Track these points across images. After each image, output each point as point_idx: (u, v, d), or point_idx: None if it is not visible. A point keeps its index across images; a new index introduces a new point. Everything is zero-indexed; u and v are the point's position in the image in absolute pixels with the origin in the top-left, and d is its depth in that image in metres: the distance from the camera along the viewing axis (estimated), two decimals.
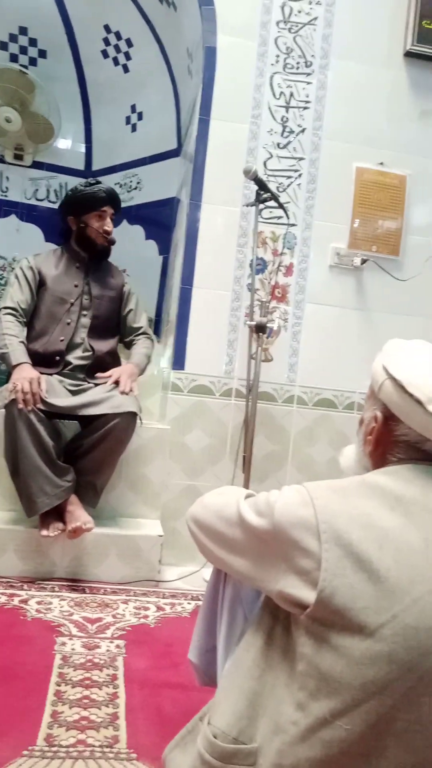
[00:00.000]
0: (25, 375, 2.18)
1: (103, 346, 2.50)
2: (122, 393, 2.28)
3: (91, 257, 2.56)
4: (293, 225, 2.71)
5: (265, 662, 0.87)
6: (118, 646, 1.71)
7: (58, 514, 2.18)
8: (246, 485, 2.23)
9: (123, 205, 3.62)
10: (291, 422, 2.69)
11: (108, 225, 2.52)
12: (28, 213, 3.94)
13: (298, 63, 2.74)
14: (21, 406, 2.11)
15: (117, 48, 3.66)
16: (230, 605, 1.07)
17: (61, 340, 2.43)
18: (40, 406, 2.15)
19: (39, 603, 1.95)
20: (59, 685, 1.46)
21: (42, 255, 2.60)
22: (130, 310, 2.62)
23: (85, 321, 2.49)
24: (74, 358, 2.45)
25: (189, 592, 2.20)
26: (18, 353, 2.30)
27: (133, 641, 1.75)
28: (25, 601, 1.95)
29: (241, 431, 2.42)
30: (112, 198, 2.53)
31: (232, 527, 0.92)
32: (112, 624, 1.86)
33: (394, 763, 0.76)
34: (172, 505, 2.54)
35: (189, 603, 2.09)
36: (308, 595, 0.78)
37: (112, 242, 2.57)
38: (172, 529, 2.49)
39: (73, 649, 1.66)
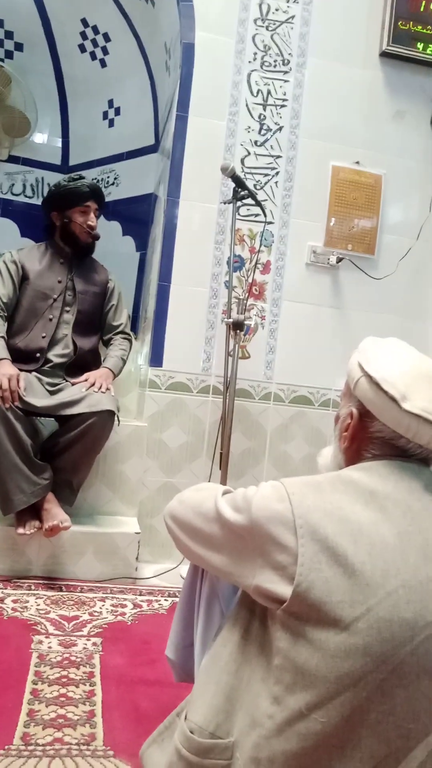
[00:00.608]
0: (4, 372, 2.16)
1: (85, 343, 2.48)
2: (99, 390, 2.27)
3: (75, 253, 2.54)
4: (270, 223, 2.72)
5: (241, 657, 0.88)
6: (94, 644, 1.71)
7: (34, 512, 2.16)
8: (223, 482, 2.24)
9: None
10: (267, 419, 2.71)
11: (92, 220, 2.50)
12: (3, 208, 3.90)
13: (275, 61, 2.75)
14: None
15: (94, 42, 3.63)
16: (207, 601, 1.08)
17: (43, 337, 2.41)
18: (18, 404, 2.13)
19: (15, 601, 1.94)
20: (36, 684, 1.46)
21: (25, 249, 2.57)
22: (112, 306, 2.60)
23: (68, 317, 2.47)
24: (55, 355, 2.42)
25: (166, 589, 2.20)
26: None
27: (109, 639, 1.75)
28: (0, 600, 1.93)
29: (219, 428, 2.43)
30: (95, 193, 2.51)
31: (209, 523, 0.93)
32: (88, 622, 1.86)
33: (368, 753, 0.77)
34: (150, 502, 2.55)
35: (166, 600, 2.09)
36: (284, 590, 0.79)
37: (96, 237, 2.54)
38: (149, 526, 2.50)
39: (49, 648, 1.65)
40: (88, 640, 1.73)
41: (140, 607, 2.02)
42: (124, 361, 2.54)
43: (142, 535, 2.34)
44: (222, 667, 0.89)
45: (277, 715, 0.79)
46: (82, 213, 2.49)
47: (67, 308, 2.48)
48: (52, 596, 2.02)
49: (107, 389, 2.30)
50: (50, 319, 2.43)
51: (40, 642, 1.68)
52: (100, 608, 1.97)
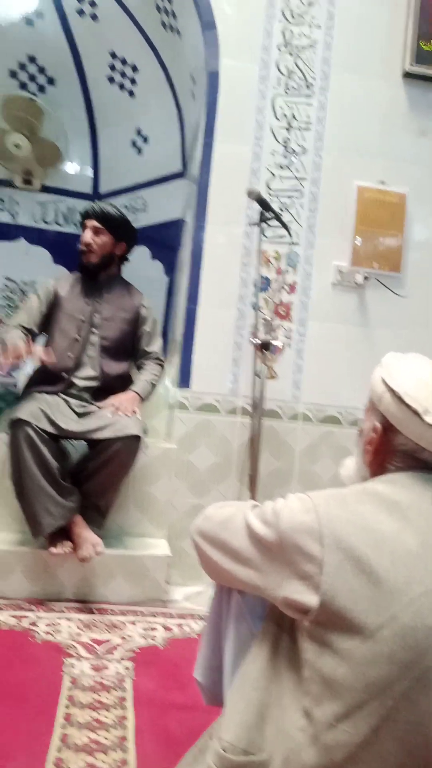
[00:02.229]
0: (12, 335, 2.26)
1: (113, 368, 2.49)
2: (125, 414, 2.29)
3: (89, 274, 2.57)
4: (296, 243, 2.73)
5: (271, 672, 0.89)
6: (126, 668, 1.71)
7: (64, 534, 2.18)
8: None
9: None
10: (296, 439, 2.70)
11: (87, 237, 2.51)
12: (37, 236, 4.01)
13: (299, 85, 2.79)
14: (19, 413, 2.13)
15: (123, 73, 3.73)
16: (235, 623, 1.07)
17: (69, 356, 2.45)
18: (46, 427, 2.16)
19: (47, 625, 1.95)
20: (68, 708, 1.46)
21: (63, 277, 2.64)
22: (145, 332, 2.61)
23: (94, 339, 2.50)
24: (81, 378, 2.46)
25: (196, 612, 2.19)
26: (12, 334, 2.32)
27: (141, 662, 1.75)
28: (33, 623, 1.95)
29: (247, 449, 2.43)
30: (89, 212, 2.54)
31: (238, 537, 0.95)
32: (120, 645, 1.86)
33: (394, 764, 0.77)
34: (179, 524, 2.55)
35: (197, 623, 2.08)
36: (311, 599, 0.80)
37: (89, 253, 2.51)
38: (179, 548, 2.49)
39: (81, 671, 1.66)
40: (119, 663, 1.73)
41: (171, 630, 2.01)
42: (154, 386, 2.54)
43: (172, 558, 2.34)
44: (252, 683, 0.90)
45: (307, 728, 0.80)
46: (83, 233, 2.53)
47: (94, 330, 2.51)
48: (84, 619, 2.03)
49: (133, 413, 2.31)
50: (76, 340, 2.47)
51: (72, 665, 1.69)
52: (132, 632, 1.97)
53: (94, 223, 2.51)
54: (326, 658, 0.79)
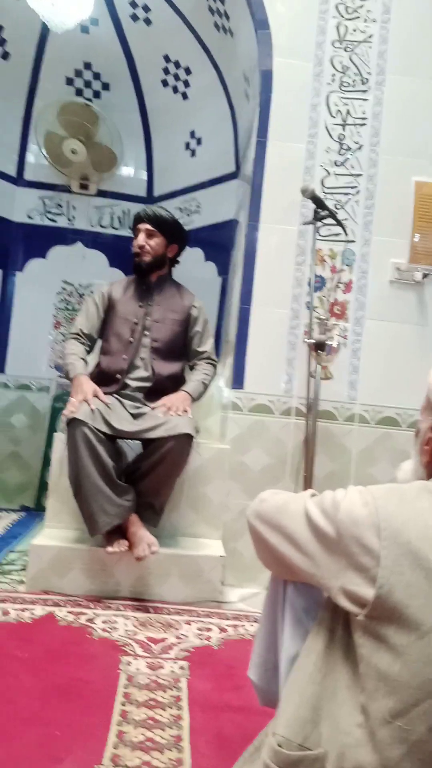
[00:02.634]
0: (83, 389, 2.30)
1: (165, 368, 2.51)
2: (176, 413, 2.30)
3: (141, 276, 2.60)
4: (352, 241, 2.69)
5: (326, 666, 0.88)
6: (181, 667, 1.72)
7: (121, 532, 2.22)
8: None
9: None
10: (352, 441, 2.65)
11: (139, 239, 2.54)
12: (93, 240, 4.08)
13: (354, 81, 2.74)
14: (73, 413, 2.17)
15: (176, 76, 3.76)
16: (290, 621, 1.06)
17: (123, 359, 2.49)
18: (102, 427, 2.20)
19: (105, 622, 1.98)
20: (124, 705, 1.48)
21: (117, 282, 2.69)
22: (196, 332, 2.61)
23: (147, 341, 2.53)
24: (134, 379, 2.49)
25: (251, 613, 2.18)
26: (76, 366, 2.41)
27: (196, 663, 1.76)
28: (91, 620, 1.98)
29: (302, 450, 2.40)
30: (142, 216, 2.56)
31: (295, 522, 0.95)
32: (175, 645, 1.87)
33: None
34: (233, 525, 2.54)
35: (252, 625, 2.07)
36: (367, 592, 0.80)
37: (142, 254, 2.54)
38: (233, 549, 2.49)
39: (137, 669, 1.68)
40: (175, 663, 1.74)
41: (226, 631, 2.01)
42: (206, 386, 2.54)
43: (227, 559, 2.34)
44: (307, 677, 0.89)
45: (364, 724, 0.79)
46: (135, 236, 2.57)
47: (146, 332, 2.54)
48: (140, 618, 2.05)
49: (184, 412, 2.32)
50: (130, 342, 2.51)
51: (129, 663, 1.71)
52: (187, 631, 1.98)
53: (147, 226, 2.54)
54: (381, 653, 0.78)
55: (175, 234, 2.60)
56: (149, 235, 2.54)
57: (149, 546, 2.15)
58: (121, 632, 1.92)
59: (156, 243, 2.55)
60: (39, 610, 2.02)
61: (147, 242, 2.54)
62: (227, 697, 1.57)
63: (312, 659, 0.90)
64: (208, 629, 2.01)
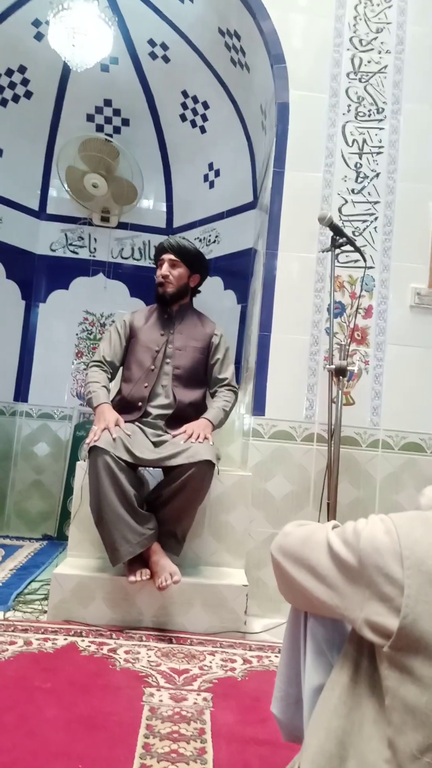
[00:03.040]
0: (105, 417, 2.31)
1: (186, 396, 2.52)
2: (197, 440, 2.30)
3: (164, 305, 2.63)
4: (371, 267, 2.70)
5: (351, 699, 0.85)
6: (205, 699, 1.68)
7: (143, 561, 2.20)
8: None
9: None
10: (376, 467, 2.62)
11: (163, 269, 2.59)
12: (114, 271, 4.16)
13: (369, 110, 2.78)
14: (96, 441, 2.19)
15: (194, 111, 3.85)
16: (312, 654, 1.04)
17: (145, 387, 2.50)
18: (123, 455, 2.20)
19: (127, 652, 1.96)
20: (147, 738, 1.45)
21: (139, 310, 2.73)
22: (217, 360, 2.62)
23: (168, 369, 2.55)
24: (155, 406, 2.50)
25: (276, 644, 2.14)
26: (99, 395, 2.43)
27: (220, 694, 1.72)
28: (113, 650, 1.96)
29: (325, 477, 2.38)
30: (164, 247, 2.61)
31: (318, 554, 0.94)
32: (199, 676, 1.83)
33: None
34: (256, 554, 2.51)
35: (276, 656, 2.03)
36: (391, 623, 0.78)
37: (166, 284, 2.58)
38: (256, 578, 2.46)
39: (161, 701, 1.65)
40: (198, 695, 1.71)
41: (250, 662, 1.97)
42: (227, 413, 2.53)
43: (250, 588, 2.31)
44: (332, 710, 0.86)
45: (392, 760, 0.77)
46: (159, 267, 2.61)
47: (168, 360, 2.56)
48: (163, 648, 2.02)
49: (205, 439, 2.32)
50: (152, 369, 2.52)
51: (152, 695, 1.68)
52: (210, 662, 1.95)
53: (171, 256, 2.59)
54: (408, 685, 0.76)
55: (197, 264, 2.65)
56: (173, 265, 2.59)
57: (171, 575, 2.13)
58: (144, 663, 1.89)
59: (179, 273, 2.59)
60: (61, 640, 2.00)
61: (170, 272, 2.58)
62: (252, 730, 1.53)
63: (337, 693, 0.87)
64: (232, 660, 1.98)
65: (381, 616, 0.80)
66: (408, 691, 0.76)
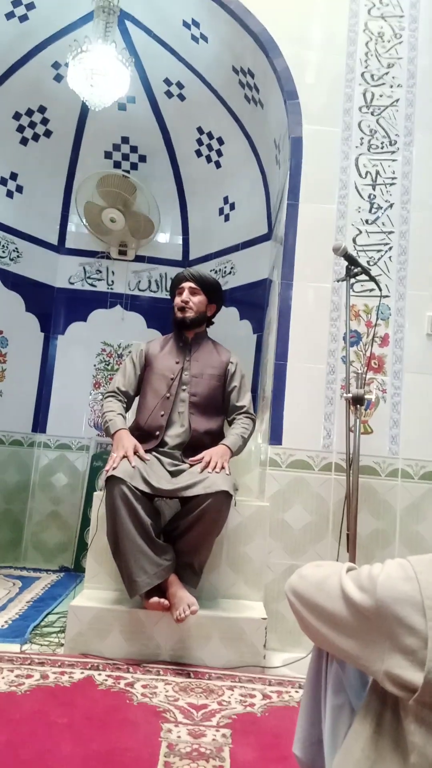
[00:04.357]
0: (124, 444, 2.33)
1: (202, 424, 2.50)
2: (214, 471, 2.29)
3: (180, 331, 2.65)
4: (386, 296, 2.70)
5: (375, 753, 0.81)
6: (224, 735, 1.64)
7: (160, 592, 2.17)
8: None
9: None
10: (396, 497, 2.58)
11: (184, 296, 2.62)
12: (131, 303, 4.22)
13: (382, 143, 2.82)
14: (115, 471, 2.19)
15: (209, 146, 3.94)
16: (334, 696, 1.01)
17: (162, 415, 2.50)
18: (140, 485, 2.20)
19: (144, 687, 1.93)
20: None
21: (155, 340, 2.76)
22: (234, 388, 2.61)
23: (184, 396, 2.54)
24: (172, 435, 2.49)
25: (296, 679, 2.09)
26: (116, 422, 2.45)
27: (239, 731, 1.68)
28: (130, 684, 1.93)
29: (344, 507, 2.35)
30: (186, 275, 2.66)
31: (333, 601, 0.89)
32: (217, 711, 1.80)
33: None
34: (275, 586, 2.48)
35: (297, 692, 1.99)
36: (415, 677, 0.73)
37: (186, 309, 2.60)
38: (275, 611, 2.42)
39: (179, 737, 1.61)
40: (217, 731, 1.67)
41: (270, 698, 1.93)
42: (245, 440, 2.51)
43: (269, 621, 2.27)
44: (354, 764, 0.83)
45: None
46: (179, 294, 2.65)
47: (184, 387, 2.56)
48: (181, 683, 1.99)
49: (222, 468, 2.31)
50: (167, 397, 2.52)
51: (170, 731, 1.65)
52: (229, 698, 1.91)
53: (191, 284, 2.63)
54: None
55: (215, 294, 2.69)
56: (192, 292, 2.63)
57: (189, 606, 2.10)
58: (162, 697, 1.86)
59: (199, 300, 2.63)
60: (78, 674, 1.98)
61: (191, 299, 2.62)
62: None
63: (360, 745, 0.83)
64: (251, 695, 1.94)
65: (403, 669, 0.75)
66: None
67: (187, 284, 2.63)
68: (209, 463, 2.30)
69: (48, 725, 1.62)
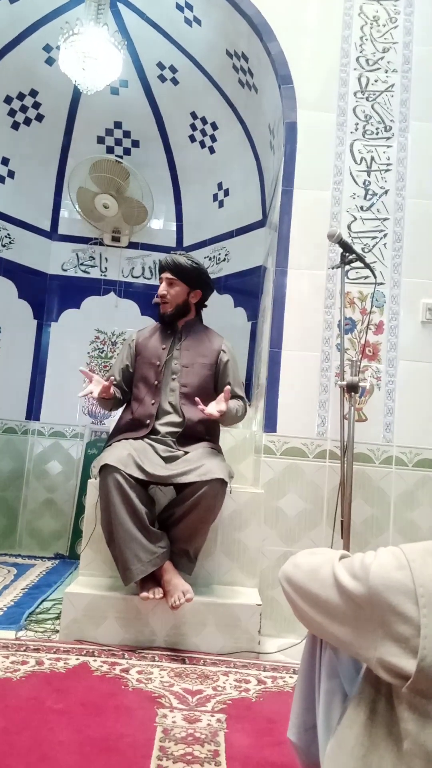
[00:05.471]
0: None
1: (195, 413, 2.44)
2: (209, 414, 2.26)
3: (166, 324, 2.61)
4: (381, 283, 2.70)
5: (369, 740, 0.82)
6: (219, 720, 1.66)
7: (155, 580, 2.18)
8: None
9: (212, 276, 3.77)
10: (390, 484, 2.59)
11: (161, 289, 2.56)
12: (125, 290, 4.19)
13: (377, 129, 2.80)
14: (108, 459, 2.19)
15: (203, 132, 3.90)
16: (327, 682, 1.01)
17: (152, 404, 2.48)
18: (134, 473, 2.20)
19: (140, 672, 1.94)
20: (161, 760, 1.43)
21: (146, 328, 2.72)
22: (226, 376, 2.55)
23: (174, 384, 2.51)
24: (164, 424, 2.46)
25: (290, 665, 2.11)
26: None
27: (234, 716, 1.69)
28: (126, 670, 1.94)
29: (338, 494, 2.36)
30: (163, 264, 2.58)
31: (326, 589, 0.89)
32: (212, 696, 1.81)
33: None
34: (270, 573, 2.49)
35: (291, 677, 2.00)
36: (408, 664, 0.74)
37: (163, 304, 2.56)
38: (270, 598, 2.43)
39: (174, 722, 1.63)
40: (212, 716, 1.68)
41: (264, 683, 1.95)
42: (238, 413, 2.47)
43: (264, 608, 2.28)
44: (348, 751, 0.83)
45: None
46: (160, 285, 2.59)
47: (174, 376, 2.53)
48: (176, 668, 2.00)
49: (218, 412, 2.26)
50: (156, 385, 2.50)
51: (165, 716, 1.66)
52: (224, 683, 1.92)
53: (167, 275, 2.55)
54: (429, 731, 0.72)
55: (196, 280, 2.58)
56: (170, 283, 2.55)
57: (184, 594, 2.11)
58: (157, 683, 1.87)
59: (176, 292, 2.55)
60: (73, 660, 1.99)
61: (168, 291, 2.55)
62: (267, 753, 1.50)
63: (354, 732, 0.84)
64: (246, 681, 1.95)
65: (396, 657, 0.76)
66: (429, 737, 0.72)
67: (164, 275, 2.56)
68: (203, 410, 2.26)
69: (43, 711, 1.63)
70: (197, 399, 2.30)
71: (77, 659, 2.00)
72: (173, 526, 2.26)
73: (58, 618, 2.31)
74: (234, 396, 2.53)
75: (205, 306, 2.71)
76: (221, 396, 2.30)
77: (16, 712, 1.61)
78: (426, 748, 0.72)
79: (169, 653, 2.13)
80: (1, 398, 3.89)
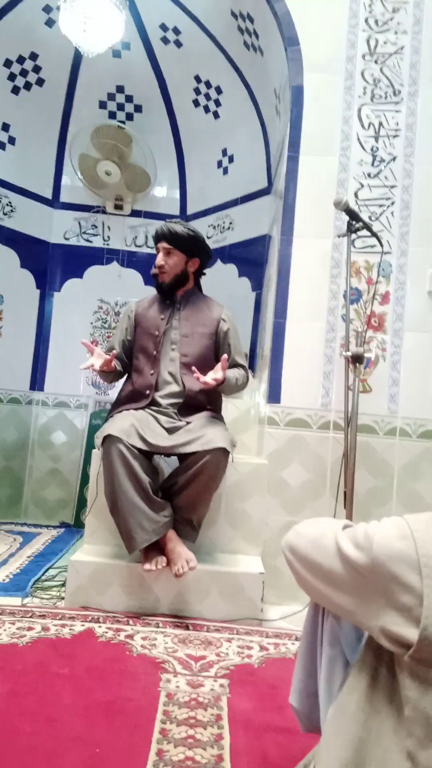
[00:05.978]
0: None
1: (194, 383, 2.41)
2: (205, 382, 2.24)
3: (165, 294, 2.57)
4: (388, 253, 2.66)
5: (370, 706, 0.83)
6: (222, 686, 1.69)
7: (159, 548, 2.21)
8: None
9: (216, 245, 3.74)
10: (394, 456, 2.59)
11: (158, 259, 2.52)
12: (128, 259, 4.15)
13: (386, 93, 2.73)
14: (111, 430, 2.19)
15: (207, 96, 3.81)
16: (329, 649, 1.03)
17: (151, 374, 2.47)
18: (137, 443, 2.20)
19: (144, 639, 1.97)
20: (164, 723, 1.46)
21: (144, 298, 2.68)
22: (227, 345, 2.53)
23: (174, 355, 2.50)
24: (165, 395, 2.45)
25: (293, 632, 2.14)
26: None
27: (237, 681, 1.72)
28: (130, 637, 1.97)
29: (341, 465, 2.36)
30: (159, 234, 2.53)
31: (329, 558, 0.90)
32: (215, 662, 1.84)
33: None
34: (273, 542, 2.51)
35: (293, 644, 2.03)
36: (411, 633, 0.74)
37: (161, 274, 2.52)
38: (273, 566, 2.45)
39: (177, 687, 1.65)
40: (215, 681, 1.71)
41: (267, 650, 1.98)
42: (238, 382, 2.45)
43: (267, 576, 2.30)
44: (349, 717, 0.84)
45: None
46: (157, 255, 2.55)
47: (173, 346, 2.51)
48: (180, 635, 2.03)
49: (215, 380, 2.25)
50: (155, 356, 2.48)
51: (168, 681, 1.69)
52: (227, 649, 1.95)
53: (164, 244, 2.50)
54: (430, 697, 0.73)
55: (193, 248, 2.53)
56: (167, 253, 2.51)
57: (188, 562, 2.14)
58: (161, 649, 1.90)
59: (174, 261, 2.51)
60: (78, 626, 2.02)
61: (165, 261, 2.51)
62: (269, 717, 1.53)
63: (355, 698, 0.85)
64: (249, 647, 1.98)
65: (398, 626, 0.76)
66: (429, 704, 0.73)
67: (161, 245, 2.51)
68: (199, 378, 2.25)
69: (49, 676, 1.66)
70: (194, 368, 2.29)
71: (82, 625, 2.03)
72: (176, 495, 2.27)
73: (63, 585, 2.34)
74: (235, 365, 2.52)
75: (204, 274, 2.67)
76: (218, 365, 2.29)
77: (22, 676, 1.64)
78: (426, 714, 0.73)
79: (172, 620, 2.16)
80: (4, 368, 3.89)
